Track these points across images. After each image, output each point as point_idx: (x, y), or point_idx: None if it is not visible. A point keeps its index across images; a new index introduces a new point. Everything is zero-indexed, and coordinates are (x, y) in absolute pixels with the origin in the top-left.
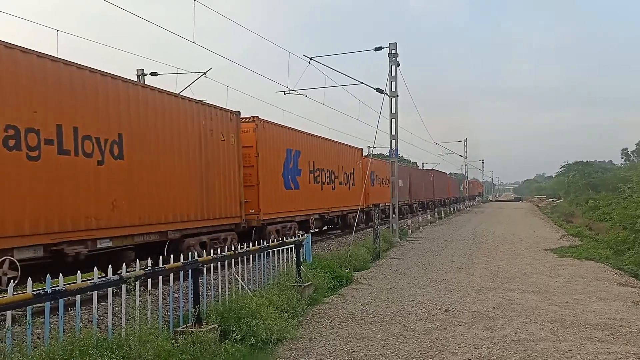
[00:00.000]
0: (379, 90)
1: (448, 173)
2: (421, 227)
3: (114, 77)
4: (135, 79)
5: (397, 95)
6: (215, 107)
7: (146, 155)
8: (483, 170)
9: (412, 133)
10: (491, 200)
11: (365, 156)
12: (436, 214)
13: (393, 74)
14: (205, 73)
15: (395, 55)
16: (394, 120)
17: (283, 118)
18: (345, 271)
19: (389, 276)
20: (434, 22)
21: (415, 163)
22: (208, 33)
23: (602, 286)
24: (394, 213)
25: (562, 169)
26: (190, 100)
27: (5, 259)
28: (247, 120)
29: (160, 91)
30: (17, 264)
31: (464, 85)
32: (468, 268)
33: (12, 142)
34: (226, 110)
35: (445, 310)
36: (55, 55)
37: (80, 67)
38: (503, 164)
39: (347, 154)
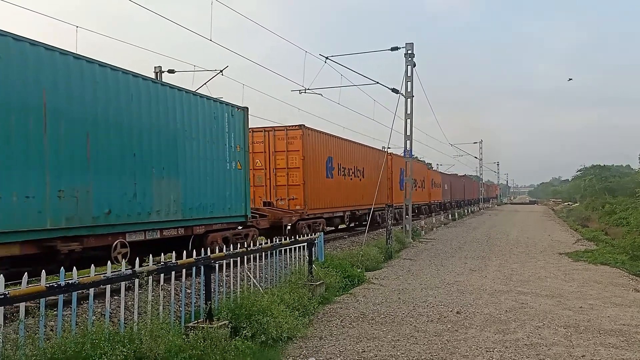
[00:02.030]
0: (394, 91)
1: (463, 175)
2: (434, 229)
3: (361, 145)
4: (153, 76)
5: (413, 96)
6: (381, 150)
7: (366, 176)
8: (498, 173)
9: (427, 134)
10: (506, 203)
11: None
12: (450, 215)
13: (409, 74)
14: (221, 71)
15: (412, 55)
16: (409, 120)
17: (299, 117)
18: (357, 271)
19: (401, 277)
20: (450, 22)
21: (430, 164)
22: (226, 32)
23: (617, 292)
24: (407, 214)
25: (578, 172)
26: (376, 148)
27: (341, 216)
28: (388, 154)
29: (370, 147)
30: (340, 220)
31: (480, 85)
32: (481, 270)
33: (345, 174)
34: (384, 150)
35: (457, 313)
36: (354, 140)
37: (359, 144)
38: (518, 167)
39: (423, 168)
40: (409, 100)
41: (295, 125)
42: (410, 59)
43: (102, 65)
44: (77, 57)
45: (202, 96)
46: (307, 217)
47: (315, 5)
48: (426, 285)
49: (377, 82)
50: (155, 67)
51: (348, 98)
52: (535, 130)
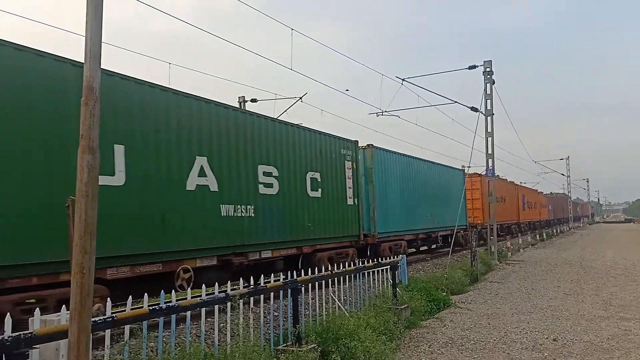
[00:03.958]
0: (473, 109)
1: (550, 193)
2: (521, 250)
3: (506, 181)
4: (237, 105)
5: (493, 114)
6: (516, 184)
7: (507, 201)
8: (588, 190)
9: (508, 151)
10: (598, 222)
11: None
12: (537, 235)
13: (488, 92)
14: (301, 98)
15: (490, 73)
16: (489, 138)
17: (376, 139)
18: (442, 294)
19: (489, 301)
20: (525, 39)
21: (513, 182)
22: (305, 59)
23: None
24: (492, 235)
25: None
26: (513, 183)
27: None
28: (517, 185)
29: (510, 182)
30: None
31: (562, 101)
32: (576, 294)
33: (498, 200)
34: (514, 183)
35: (554, 340)
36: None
37: (505, 181)
38: (611, 183)
39: (534, 193)
40: (489, 118)
41: (477, 174)
42: (489, 76)
43: (432, 162)
44: (420, 159)
45: (452, 167)
46: (484, 227)
47: (388, 27)
48: (517, 309)
49: (455, 102)
50: (239, 97)
51: (425, 118)
52: (626, 145)
